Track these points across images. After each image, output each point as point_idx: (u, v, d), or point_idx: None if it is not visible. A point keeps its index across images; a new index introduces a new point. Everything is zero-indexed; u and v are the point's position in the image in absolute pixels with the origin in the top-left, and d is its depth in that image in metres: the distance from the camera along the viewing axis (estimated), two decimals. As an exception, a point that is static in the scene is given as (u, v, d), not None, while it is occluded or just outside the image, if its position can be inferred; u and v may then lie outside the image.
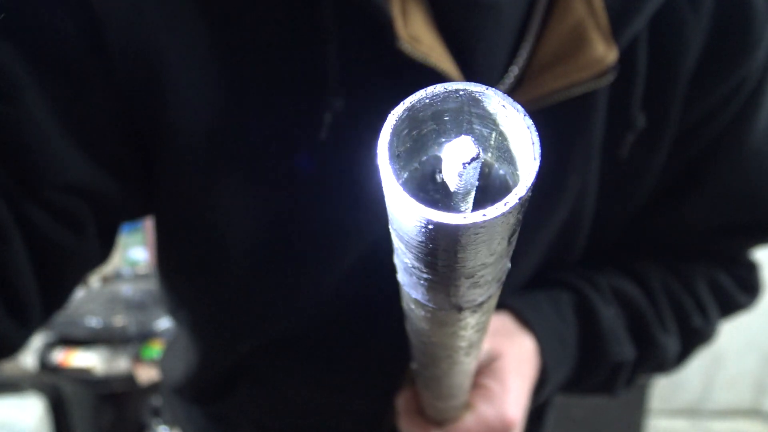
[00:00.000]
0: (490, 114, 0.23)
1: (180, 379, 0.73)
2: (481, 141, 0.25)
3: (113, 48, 0.48)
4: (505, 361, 0.55)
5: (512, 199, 0.20)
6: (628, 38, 0.52)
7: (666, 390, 2.37)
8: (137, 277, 2.06)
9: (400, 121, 0.23)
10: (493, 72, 0.54)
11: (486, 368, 0.55)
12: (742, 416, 2.52)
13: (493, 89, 0.22)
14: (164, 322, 1.89)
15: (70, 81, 0.49)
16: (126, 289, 2.05)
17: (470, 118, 0.24)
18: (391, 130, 0.22)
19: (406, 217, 0.22)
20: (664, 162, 0.61)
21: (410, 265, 0.27)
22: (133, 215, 0.59)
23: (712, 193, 0.64)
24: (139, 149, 0.53)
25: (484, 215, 0.20)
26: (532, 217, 0.59)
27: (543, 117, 0.54)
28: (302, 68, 0.51)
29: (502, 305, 0.61)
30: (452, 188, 0.23)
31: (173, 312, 0.69)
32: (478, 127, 0.24)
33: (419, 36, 0.48)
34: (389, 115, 0.22)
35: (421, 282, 0.28)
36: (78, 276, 0.54)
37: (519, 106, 0.22)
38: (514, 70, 0.54)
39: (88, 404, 1.93)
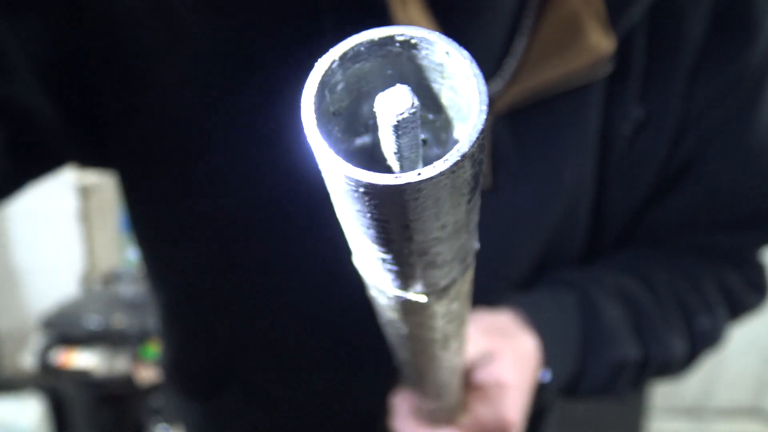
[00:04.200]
0: (437, 65, 0.20)
1: (168, 365, 0.72)
2: (431, 98, 0.22)
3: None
4: (503, 361, 0.53)
5: (453, 156, 0.17)
6: (625, 27, 0.52)
7: (667, 389, 2.33)
8: (137, 278, 2.05)
9: (331, 71, 0.20)
10: (490, 64, 0.53)
11: (483, 369, 0.53)
12: (743, 416, 2.48)
13: (437, 33, 0.19)
14: (164, 322, 1.88)
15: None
16: (126, 289, 2.04)
17: (416, 70, 0.21)
18: (318, 81, 0.19)
19: (333, 178, 0.19)
20: (666, 155, 0.60)
21: (358, 241, 0.24)
22: (76, 156, 0.56)
23: (715, 187, 0.62)
24: (89, 90, 0.52)
25: (419, 174, 0.17)
26: (528, 210, 0.58)
27: (538, 111, 0.54)
28: (297, 54, 0.49)
29: (502, 303, 0.59)
30: (391, 148, 0.20)
31: (153, 290, 0.68)
32: (426, 83, 0.21)
33: (416, 24, 0.48)
34: (316, 63, 0.19)
35: (373, 261, 0.25)
36: None
37: (465, 52, 0.19)
38: (511, 62, 0.53)
39: (87, 405, 1.92)
